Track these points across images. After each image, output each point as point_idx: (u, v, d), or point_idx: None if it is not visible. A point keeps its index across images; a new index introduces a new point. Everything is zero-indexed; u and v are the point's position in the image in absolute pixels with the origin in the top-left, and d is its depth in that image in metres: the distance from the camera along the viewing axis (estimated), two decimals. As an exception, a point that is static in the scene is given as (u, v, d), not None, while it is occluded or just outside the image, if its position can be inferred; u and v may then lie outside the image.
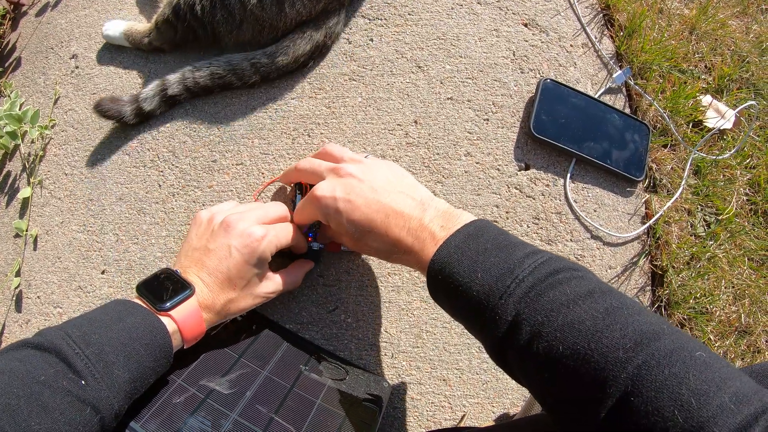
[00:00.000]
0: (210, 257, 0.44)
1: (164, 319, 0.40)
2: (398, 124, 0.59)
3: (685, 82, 0.70)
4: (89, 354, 0.35)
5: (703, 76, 0.73)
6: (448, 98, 0.60)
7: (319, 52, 0.59)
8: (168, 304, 0.41)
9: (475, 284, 0.35)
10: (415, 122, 0.59)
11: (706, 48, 0.75)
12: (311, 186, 0.54)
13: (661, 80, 0.69)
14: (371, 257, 0.57)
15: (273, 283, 0.48)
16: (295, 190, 0.54)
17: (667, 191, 0.66)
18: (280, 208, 0.50)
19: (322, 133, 0.59)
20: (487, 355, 0.56)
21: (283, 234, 0.47)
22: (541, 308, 0.33)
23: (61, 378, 0.33)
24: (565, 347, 0.31)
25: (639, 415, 0.27)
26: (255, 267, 0.45)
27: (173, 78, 0.59)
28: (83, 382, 0.33)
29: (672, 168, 0.67)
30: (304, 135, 0.59)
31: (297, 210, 0.49)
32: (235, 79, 0.58)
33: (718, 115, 0.71)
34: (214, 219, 0.47)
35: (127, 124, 0.61)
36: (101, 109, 0.59)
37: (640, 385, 0.27)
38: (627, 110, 0.66)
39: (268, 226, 0.46)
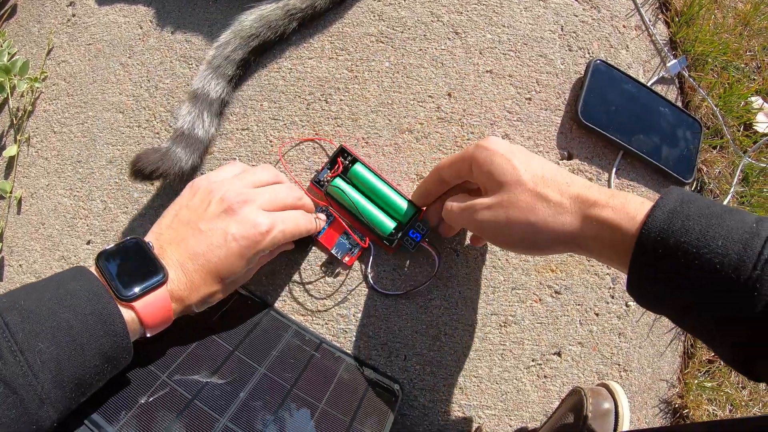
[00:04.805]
0: (199, 240, 0.33)
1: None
2: (429, 96, 0.47)
3: (739, 80, 0.59)
4: (9, 321, 0.26)
5: (753, 76, 0.62)
6: (487, 71, 0.48)
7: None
8: (129, 294, 0.30)
9: (716, 255, 0.26)
10: (449, 95, 0.47)
11: (758, 46, 0.63)
12: (348, 161, 0.44)
13: (716, 76, 0.57)
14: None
15: (254, 266, 0.38)
16: (326, 164, 0.44)
17: (714, 197, 0.55)
18: (294, 193, 0.38)
19: (341, 99, 0.47)
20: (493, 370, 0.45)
21: (291, 227, 0.36)
22: None
23: None
24: None
25: None
26: (249, 263, 0.35)
27: (201, 82, 0.45)
28: None
29: (720, 172, 0.56)
30: (321, 100, 0.47)
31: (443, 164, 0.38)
32: (270, 34, 0.45)
33: (768, 119, 0.60)
34: (213, 192, 0.35)
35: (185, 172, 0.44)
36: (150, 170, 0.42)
37: None
38: (679, 104, 0.54)
39: (277, 216, 0.35)
